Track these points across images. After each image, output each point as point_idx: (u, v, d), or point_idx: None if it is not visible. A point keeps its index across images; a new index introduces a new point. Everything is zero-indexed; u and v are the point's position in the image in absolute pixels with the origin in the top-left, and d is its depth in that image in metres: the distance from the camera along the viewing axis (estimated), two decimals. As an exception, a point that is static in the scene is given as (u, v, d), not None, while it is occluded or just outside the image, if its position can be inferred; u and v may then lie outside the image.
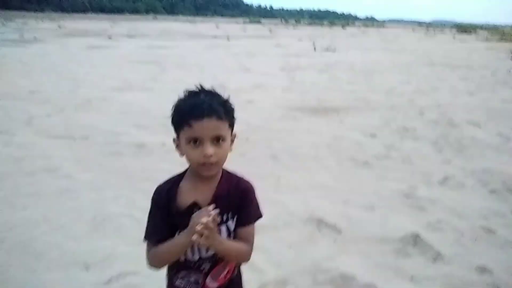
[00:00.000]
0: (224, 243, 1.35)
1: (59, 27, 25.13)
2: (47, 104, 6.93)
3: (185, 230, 1.31)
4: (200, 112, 1.26)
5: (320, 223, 3.30)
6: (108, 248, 2.91)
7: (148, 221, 1.39)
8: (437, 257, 2.91)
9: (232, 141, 1.40)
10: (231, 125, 1.36)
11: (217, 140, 1.29)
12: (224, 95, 1.38)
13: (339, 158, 4.87)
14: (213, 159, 1.29)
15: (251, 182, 1.46)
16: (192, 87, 1.37)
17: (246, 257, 1.42)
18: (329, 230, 3.23)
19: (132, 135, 5.44)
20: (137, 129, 5.73)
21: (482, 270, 2.77)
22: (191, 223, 1.27)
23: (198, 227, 1.21)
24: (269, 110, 7.15)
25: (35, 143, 4.99)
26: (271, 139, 5.49)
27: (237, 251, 1.39)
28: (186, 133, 1.28)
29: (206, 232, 1.22)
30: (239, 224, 1.41)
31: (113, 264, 2.73)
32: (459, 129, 6.13)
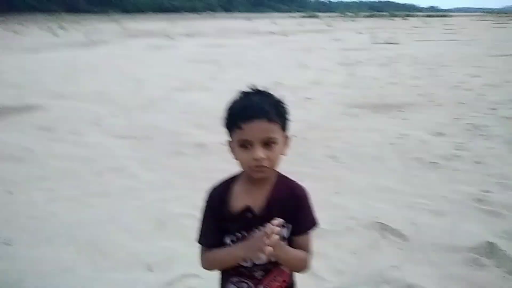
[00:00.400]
0: (288, 252, 1.31)
1: (122, 28, 26.30)
2: (113, 105, 7.26)
3: (243, 244, 1.28)
4: (250, 114, 1.23)
5: (384, 228, 3.16)
6: (170, 249, 2.96)
7: (201, 224, 1.39)
8: (516, 269, 2.68)
9: (286, 143, 1.35)
10: (284, 127, 1.31)
11: (268, 143, 1.25)
12: (277, 95, 1.34)
13: (404, 159, 4.65)
14: (264, 163, 1.25)
15: (305, 187, 1.40)
16: (245, 88, 1.33)
17: (305, 266, 1.37)
18: (394, 237, 3.07)
19: (193, 135, 5.55)
20: (198, 128, 5.84)
21: None
22: (251, 241, 1.24)
23: (266, 250, 1.17)
24: (327, 108, 7.00)
25: (102, 143, 5.24)
26: (330, 138, 5.36)
27: (298, 260, 1.35)
28: (237, 135, 1.26)
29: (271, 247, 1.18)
30: (296, 232, 1.36)
31: (175, 265, 2.78)
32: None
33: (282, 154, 1.33)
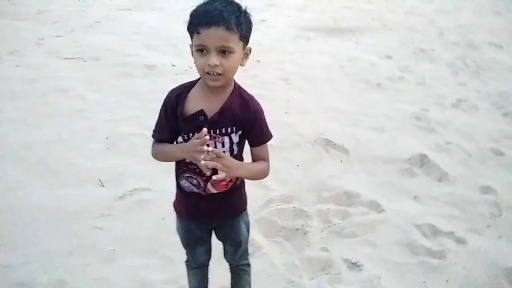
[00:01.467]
0: (247, 168, 1.43)
1: None
2: (57, 24, 6.81)
3: (181, 146, 1.37)
4: (209, 20, 1.23)
5: (328, 144, 3.34)
6: (121, 166, 3.01)
7: (156, 122, 1.45)
8: (442, 177, 2.95)
9: (246, 55, 1.37)
10: (243, 38, 1.31)
11: (224, 51, 1.26)
12: (244, 6, 1.32)
13: (352, 80, 4.79)
14: (218, 70, 1.27)
15: (259, 103, 1.46)
16: None
17: (266, 174, 1.49)
18: (337, 151, 3.27)
19: (142, 56, 5.37)
20: (147, 49, 5.65)
21: (486, 189, 2.82)
22: (188, 144, 1.31)
23: (204, 163, 1.26)
24: (282, 30, 6.93)
25: (46, 64, 4.99)
26: (283, 61, 5.38)
27: (259, 171, 1.47)
28: (195, 40, 1.27)
29: (220, 166, 1.28)
30: (255, 143, 1.46)
31: (127, 180, 2.85)
32: (479, 51, 5.90)
33: (240, 64, 1.35)
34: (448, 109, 4.07)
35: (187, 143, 1.33)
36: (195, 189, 1.48)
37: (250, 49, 1.38)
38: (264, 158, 1.48)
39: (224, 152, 1.39)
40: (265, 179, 2.85)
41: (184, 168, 1.46)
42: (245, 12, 1.32)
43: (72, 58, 5.20)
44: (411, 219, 2.52)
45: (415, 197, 2.76)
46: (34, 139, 3.38)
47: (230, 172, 1.32)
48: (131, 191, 2.73)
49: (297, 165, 3.08)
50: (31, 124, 3.61)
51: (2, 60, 5.12)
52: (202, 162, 1.26)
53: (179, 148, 1.38)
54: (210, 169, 1.36)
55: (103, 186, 2.82)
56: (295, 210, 2.55)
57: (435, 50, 5.95)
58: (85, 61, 5.13)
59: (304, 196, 2.72)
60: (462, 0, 10.06)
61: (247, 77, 4.57)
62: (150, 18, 7.54)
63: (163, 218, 2.42)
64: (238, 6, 1.31)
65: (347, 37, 6.67)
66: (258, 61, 5.18)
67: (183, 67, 4.84)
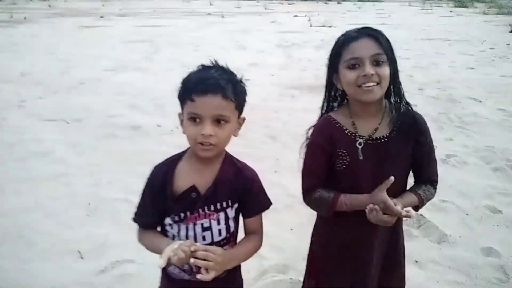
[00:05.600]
0: (239, 257, 1.32)
1: (50, 6, 24.55)
2: (39, 86, 6.73)
3: (169, 245, 1.17)
4: (205, 88, 1.17)
5: (321, 205, 3.21)
6: (102, 235, 2.82)
7: (139, 202, 1.33)
8: (441, 239, 2.84)
9: (240, 125, 1.31)
10: (239, 108, 1.26)
11: (219, 120, 1.19)
12: (238, 75, 1.29)
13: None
14: (212, 140, 1.19)
15: (253, 169, 1.37)
16: (206, 62, 1.28)
17: (258, 248, 1.38)
18: (331, 213, 3.14)
19: (126, 117, 5.29)
20: (132, 110, 5.58)
21: (488, 252, 2.71)
22: (177, 246, 1.14)
23: (194, 261, 1.14)
24: (266, 89, 7.00)
25: (27, 127, 4.84)
26: (269, 118, 5.36)
27: (252, 253, 1.36)
28: (188, 108, 1.20)
29: (212, 264, 1.16)
30: (248, 214, 1.35)
31: (108, 252, 2.65)
32: (460, 106, 6.01)
33: (233, 135, 1.29)
34: (438, 165, 4.01)
35: (174, 244, 1.16)
36: (186, 276, 1.31)
37: (244, 119, 1.32)
38: (258, 230, 1.37)
39: (220, 230, 1.27)
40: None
41: None
42: (241, 81, 1.27)
43: (54, 120, 5.07)
44: (415, 287, 2.37)
45: (416, 261, 2.62)
46: (9, 206, 3.18)
47: (221, 269, 1.19)
48: (112, 263, 2.53)
49: (291, 229, 2.94)
50: (7, 190, 3.42)
51: (-20, 123, 4.97)
52: (192, 261, 1.13)
53: (165, 246, 1.18)
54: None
55: (82, 258, 2.61)
56: (292, 282, 2.38)
57: (418, 105, 6.03)
58: (68, 123, 5.01)
59: (301, 265, 2.51)
60: (437, 56, 10.51)
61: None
62: (135, 78, 7.56)
63: (149, 294, 2.22)
64: (234, 75, 1.27)
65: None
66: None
67: (169, 127, 4.76)
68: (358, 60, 1.33)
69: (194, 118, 1.19)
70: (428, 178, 1.55)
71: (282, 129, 4.99)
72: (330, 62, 1.47)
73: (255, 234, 1.36)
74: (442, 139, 4.71)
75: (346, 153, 1.46)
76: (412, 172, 1.57)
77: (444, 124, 5.21)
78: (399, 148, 1.46)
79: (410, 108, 1.53)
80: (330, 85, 1.55)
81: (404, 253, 1.68)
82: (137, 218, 1.32)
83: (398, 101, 1.52)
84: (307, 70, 8.66)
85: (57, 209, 3.14)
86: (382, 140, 1.46)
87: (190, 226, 1.28)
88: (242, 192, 1.31)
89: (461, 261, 2.62)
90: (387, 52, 1.38)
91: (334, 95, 1.59)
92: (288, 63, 9.49)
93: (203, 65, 1.27)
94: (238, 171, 1.32)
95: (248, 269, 2.46)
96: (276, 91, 6.88)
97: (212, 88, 1.17)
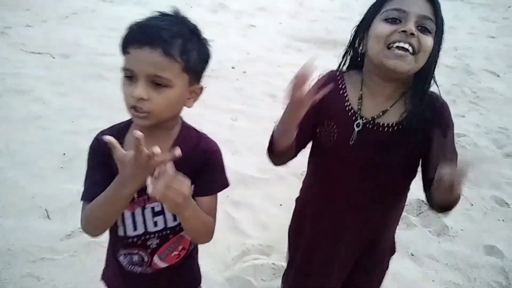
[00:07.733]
0: (196, 209, 1.00)
1: None
2: (27, 12, 6.23)
3: (120, 178, 0.92)
4: (142, 38, 0.92)
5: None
6: (74, 193, 2.54)
7: (86, 178, 1.06)
8: (441, 231, 2.62)
9: (195, 94, 1.02)
10: (190, 71, 0.97)
11: (157, 82, 0.92)
12: (200, 30, 1.00)
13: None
14: (145, 105, 0.92)
15: (215, 142, 1.10)
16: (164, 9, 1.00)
17: (210, 234, 1.08)
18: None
19: (118, 56, 4.84)
20: (124, 49, 5.17)
21: (490, 250, 2.50)
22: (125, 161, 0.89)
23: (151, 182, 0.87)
24: (272, 38, 6.52)
25: (7, 58, 4.44)
26: (271, 73, 4.97)
27: (204, 223, 1.04)
28: (124, 62, 0.95)
29: (177, 197, 0.88)
30: (201, 193, 1.05)
31: (78, 214, 2.40)
32: (476, 79, 5.62)
33: (186, 105, 1.02)
34: (446, 144, 3.75)
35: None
36: (137, 268, 1.11)
37: (201, 88, 1.03)
38: (210, 213, 1.07)
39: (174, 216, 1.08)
40: (243, 221, 2.49)
41: (118, 245, 1.10)
42: (201, 38, 0.99)
43: (39, 53, 4.68)
44: (408, 285, 2.17)
45: (412, 255, 2.41)
46: (-25, 150, 2.90)
47: (178, 200, 0.90)
48: (80, 229, 2.29)
49: (280, 204, 2.69)
50: (-25, 130, 3.14)
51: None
52: (149, 181, 0.87)
53: (115, 181, 0.93)
54: (157, 239, 1.08)
55: (49, 218, 2.38)
56: (274, 268, 2.16)
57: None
58: (53, 58, 4.62)
59: (286, 247, 2.33)
60: (456, 20, 9.90)
61: (231, 90, 4.18)
62: (132, 12, 7.03)
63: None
64: (192, 27, 0.98)
65: (340, 51, 6.31)
66: (245, 72, 4.79)
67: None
68: (402, 14, 1.04)
69: (130, 77, 0.94)
70: None
71: (284, 87, 4.62)
72: (365, 16, 1.17)
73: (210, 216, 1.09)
74: (454, 115, 4.30)
75: (335, 128, 1.19)
76: (422, 173, 1.25)
77: (457, 98, 4.86)
78: (405, 145, 1.15)
79: (436, 98, 1.21)
80: (352, 46, 1.28)
81: (390, 252, 1.45)
82: (86, 194, 1.04)
83: (423, 88, 1.16)
84: (318, 21, 8.10)
85: (28, 157, 2.88)
86: (385, 129, 1.16)
87: (138, 210, 1.06)
88: (200, 166, 1.06)
89: (460, 258, 2.41)
90: (439, 22, 1.07)
91: (351, 60, 1.30)
92: (299, 11, 8.88)
93: (159, 12, 1.00)
94: (197, 143, 1.08)
95: (229, 246, 2.26)
96: (282, 41, 6.41)
97: (151, 40, 0.91)
